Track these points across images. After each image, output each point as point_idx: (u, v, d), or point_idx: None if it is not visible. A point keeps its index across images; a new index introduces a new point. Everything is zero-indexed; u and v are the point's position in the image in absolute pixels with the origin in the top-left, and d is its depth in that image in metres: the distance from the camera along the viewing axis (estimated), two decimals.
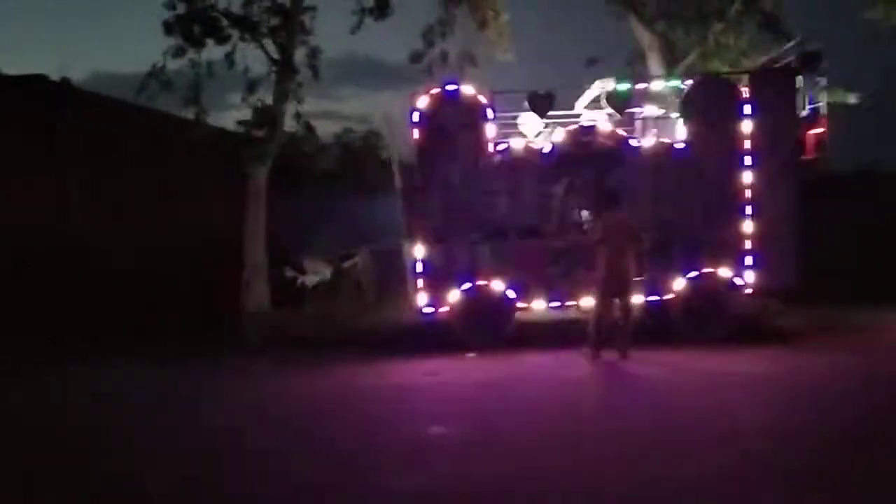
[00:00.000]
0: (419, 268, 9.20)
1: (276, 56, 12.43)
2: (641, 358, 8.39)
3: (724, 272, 9.16)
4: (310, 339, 10.37)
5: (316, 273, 13.95)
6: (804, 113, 9.25)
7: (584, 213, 9.24)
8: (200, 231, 13.49)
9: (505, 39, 13.69)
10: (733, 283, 9.19)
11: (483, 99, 9.21)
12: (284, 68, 12.47)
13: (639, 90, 9.65)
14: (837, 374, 7.64)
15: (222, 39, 12.33)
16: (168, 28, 12.08)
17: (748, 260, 9.21)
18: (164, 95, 12.42)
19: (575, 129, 9.29)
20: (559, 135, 9.32)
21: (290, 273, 13.60)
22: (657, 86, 10.38)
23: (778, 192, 9.18)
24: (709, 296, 9.16)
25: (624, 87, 9.30)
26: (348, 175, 16.48)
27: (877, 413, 6.07)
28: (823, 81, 9.32)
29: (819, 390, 6.97)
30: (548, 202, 9.25)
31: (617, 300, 8.43)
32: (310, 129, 12.94)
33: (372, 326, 10.85)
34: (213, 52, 12.28)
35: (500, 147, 9.26)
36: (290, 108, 12.67)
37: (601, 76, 9.79)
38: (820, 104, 9.27)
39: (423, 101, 9.16)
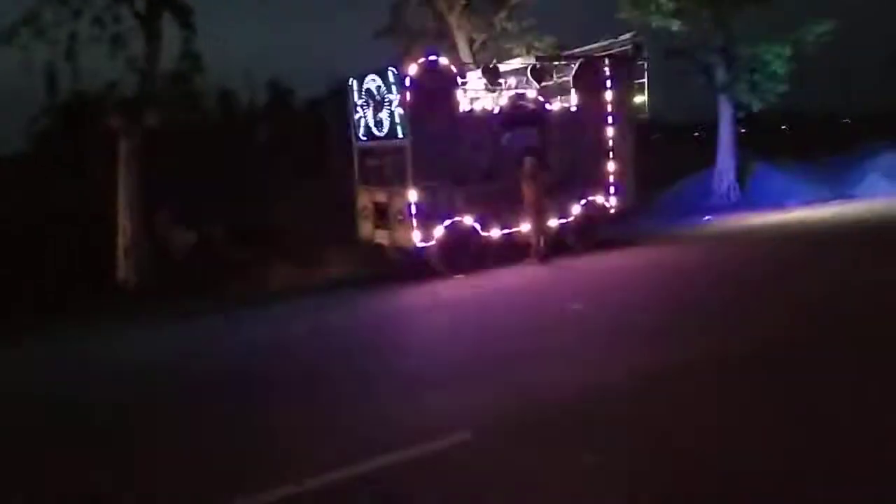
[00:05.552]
0: (413, 209, 11.10)
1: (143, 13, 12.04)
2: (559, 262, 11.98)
3: (600, 198, 13.05)
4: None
5: (182, 236, 13.84)
6: (638, 84, 13.42)
7: (525, 159, 12.07)
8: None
9: None
10: (604, 206, 13.15)
11: (454, 69, 11.31)
12: (152, 26, 12.15)
13: (546, 66, 12.68)
14: (682, 255, 12.39)
15: None
16: None
17: (611, 189, 13.23)
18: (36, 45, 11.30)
19: (513, 96, 12.03)
20: (503, 100, 11.95)
21: (167, 229, 13.42)
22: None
23: (625, 141, 13.31)
24: (591, 216, 12.99)
25: (544, 63, 12.30)
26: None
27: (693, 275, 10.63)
28: (646, 64, 13.59)
29: (676, 266, 11.51)
30: (497, 152, 11.88)
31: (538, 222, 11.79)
32: (197, 68, 12.68)
33: (352, 266, 12.29)
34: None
35: (465, 108, 11.52)
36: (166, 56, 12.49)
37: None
38: (645, 80, 13.53)
39: (412, 69, 10.87)
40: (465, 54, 16.37)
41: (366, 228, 12.40)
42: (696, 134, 36.36)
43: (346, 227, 13.04)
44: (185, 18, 12.45)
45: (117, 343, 9.05)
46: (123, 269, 12.44)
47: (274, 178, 14.60)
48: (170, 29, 12.36)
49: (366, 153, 12.34)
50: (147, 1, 12.13)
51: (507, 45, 16.87)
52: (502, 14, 17.04)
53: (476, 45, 17.07)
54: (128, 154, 12.39)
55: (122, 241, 12.42)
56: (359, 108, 12.11)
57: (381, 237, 11.97)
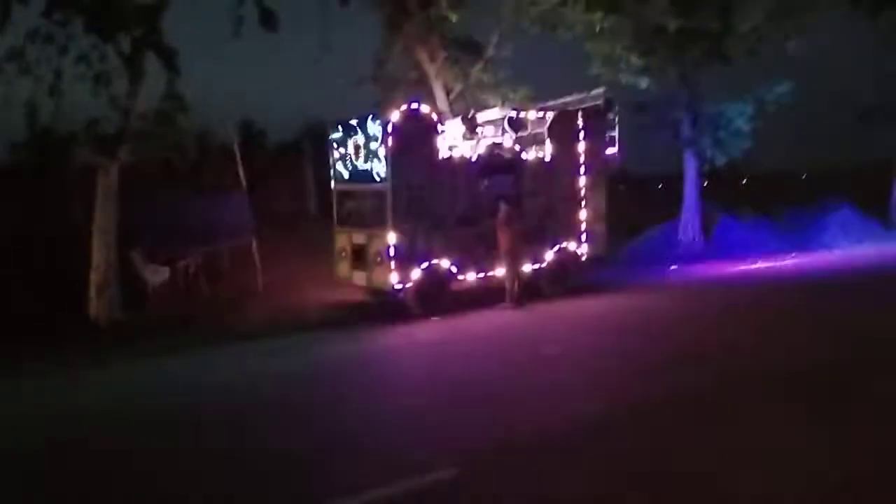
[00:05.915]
0: (391, 251, 11.30)
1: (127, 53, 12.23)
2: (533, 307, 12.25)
3: (572, 246, 13.41)
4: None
5: (155, 272, 13.81)
6: (608, 137, 13.94)
7: (501, 206, 12.39)
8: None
9: None
10: (576, 253, 13.51)
11: (435, 116, 11.67)
12: (135, 66, 12.35)
13: (522, 117, 13.12)
14: (654, 305, 12.72)
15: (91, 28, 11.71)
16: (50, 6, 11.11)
17: (583, 237, 13.60)
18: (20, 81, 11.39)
19: (490, 145, 12.42)
20: (481, 148, 12.32)
21: (141, 265, 13.37)
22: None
23: (597, 191, 13.75)
24: (564, 262, 13.32)
25: (520, 114, 12.76)
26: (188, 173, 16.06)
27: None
28: (616, 118, 14.14)
29: (656, 310, 11.91)
30: (474, 198, 12.19)
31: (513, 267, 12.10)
32: (181, 108, 12.83)
33: (327, 308, 12.37)
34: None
35: (444, 155, 11.85)
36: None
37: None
38: (615, 133, 14.07)
39: (395, 116, 11.20)
40: (441, 103, 16.82)
41: (343, 269, 12.54)
42: (660, 186, 37.42)
43: (321, 267, 13.16)
44: (169, 60, 12.63)
45: (72, 384, 8.89)
46: (95, 306, 12.36)
47: (252, 217, 14.66)
48: (153, 68, 12.57)
49: (345, 196, 12.56)
50: (132, 42, 12.33)
51: (483, 96, 17.38)
52: (478, 66, 17.58)
53: (453, 95, 17.57)
54: (105, 189, 12.43)
55: (94, 278, 12.36)
56: (339, 152, 12.36)
57: (359, 278, 12.11)
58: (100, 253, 12.33)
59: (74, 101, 12.18)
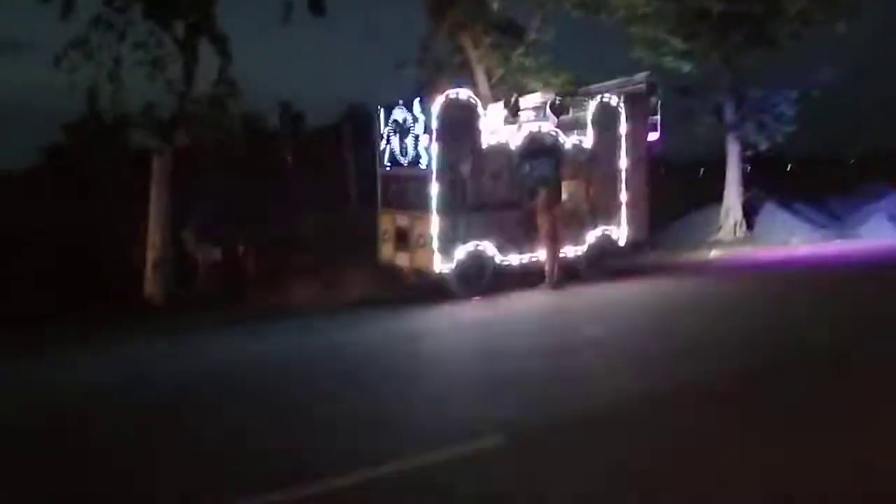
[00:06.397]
0: (437, 234, 11.61)
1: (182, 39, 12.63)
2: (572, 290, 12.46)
3: (613, 231, 13.55)
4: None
5: (208, 252, 14.30)
6: (651, 122, 14.00)
7: (541, 190, 12.58)
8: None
9: None
10: (617, 239, 13.64)
11: (478, 102, 11.91)
12: (189, 51, 12.73)
13: (564, 101, 13.27)
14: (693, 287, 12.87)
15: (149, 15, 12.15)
16: None
17: (623, 221, 13.72)
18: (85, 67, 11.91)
19: (532, 130, 12.60)
20: (523, 133, 12.52)
21: (193, 245, 13.88)
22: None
23: (638, 176, 13.84)
24: (604, 246, 13.48)
25: (562, 99, 12.92)
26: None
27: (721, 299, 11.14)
28: (659, 102, 14.17)
29: (683, 297, 12.13)
30: (515, 182, 12.41)
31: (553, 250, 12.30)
32: (232, 93, 13.21)
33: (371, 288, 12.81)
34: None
35: (487, 139, 12.08)
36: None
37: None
38: (657, 117, 14.11)
39: (439, 101, 11.46)
40: (483, 87, 16.98)
41: (386, 251, 12.89)
42: (701, 172, 37.08)
43: (365, 250, 13.54)
44: (221, 46, 13.07)
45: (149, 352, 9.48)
46: (151, 284, 12.92)
47: (296, 199, 15.13)
48: (205, 54, 12.98)
49: (389, 179, 12.88)
50: (186, 28, 12.77)
51: (524, 80, 17.49)
52: (520, 50, 17.68)
53: (494, 79, 17.70)
54: (160, 172, 12.95)
55: (151, 256, 12.91)
56: (384, 136, 12.67)
57: (402, 260, 12.45)
58: (156, 232, 12.88)
59: (131, 86, 12.72)
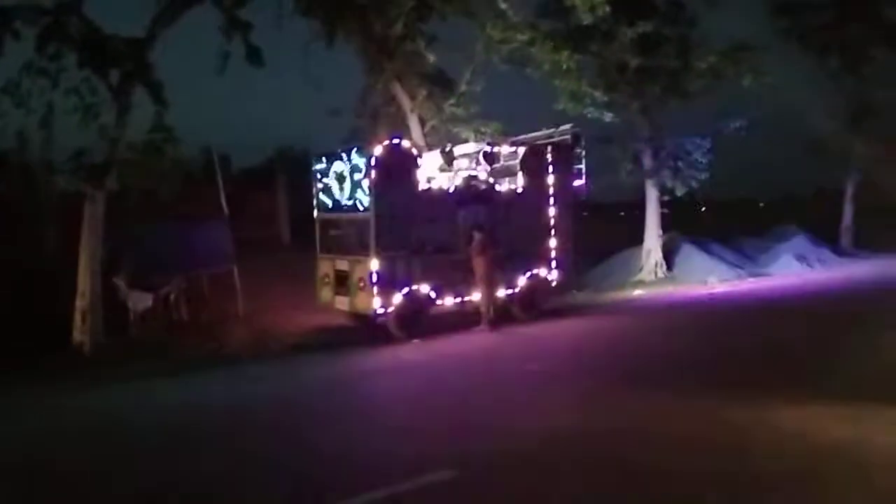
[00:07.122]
0: (374, 277, 11.88)
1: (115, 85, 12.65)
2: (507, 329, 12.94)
3: (543, 272, 14.13)
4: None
5: (139, 299, 14.06)
6: (577, 170, 14.77)
7: (475, 234, 13.05)
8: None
9: None
10: (547, 280, 14.23)
11: (415, 150, 12.37)
12: (123, 98, 12.77)
13: (496, 150, 13.88)
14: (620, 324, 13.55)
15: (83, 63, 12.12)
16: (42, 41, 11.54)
17: (553, 263, 14.33)
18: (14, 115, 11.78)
19: (467, 178, 13.15)
20: (457, 179, 13.04)
21: (124, 292, 13.64)
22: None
23: (565, 220, 14.53)
24: (535, 288, 14.03)
25: (494, 148, 13.53)
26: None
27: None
28: (583, 151, 14.98)
29: (623, 329, 12.86)
30: (451, 226, 12.86)
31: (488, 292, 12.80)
32: (168, 139, 13.16)
33: (309, 332, 12.85)
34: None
35: (423, 186, 12.52)
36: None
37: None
38: (582, 165, 14.89)
39: (378, 149, 11.86)
40: (417, 136, 17.51)
41: (326, 294, 13.07)
42: (621, 214, 38.85)
43: (300, 293, 13.62)
44: (157, 92, 13.12)
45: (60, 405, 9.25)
46: (80, 332, 12.61)
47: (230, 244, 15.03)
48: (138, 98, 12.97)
49: (328, 224, 13.13)
50: (121, 75, 12.79)
51: (456, 129, 18.13)
52: (452, 100, 18.35)
53: (427, 128, 18.27)
54: (91, 217, 12.76)
55: (80, 304, 12.62)
56: (323, 182, 12.95)
57: (341, 303, 12.66)
58: (85, 279, 12.61)
59: (62, 131, 12.59)
